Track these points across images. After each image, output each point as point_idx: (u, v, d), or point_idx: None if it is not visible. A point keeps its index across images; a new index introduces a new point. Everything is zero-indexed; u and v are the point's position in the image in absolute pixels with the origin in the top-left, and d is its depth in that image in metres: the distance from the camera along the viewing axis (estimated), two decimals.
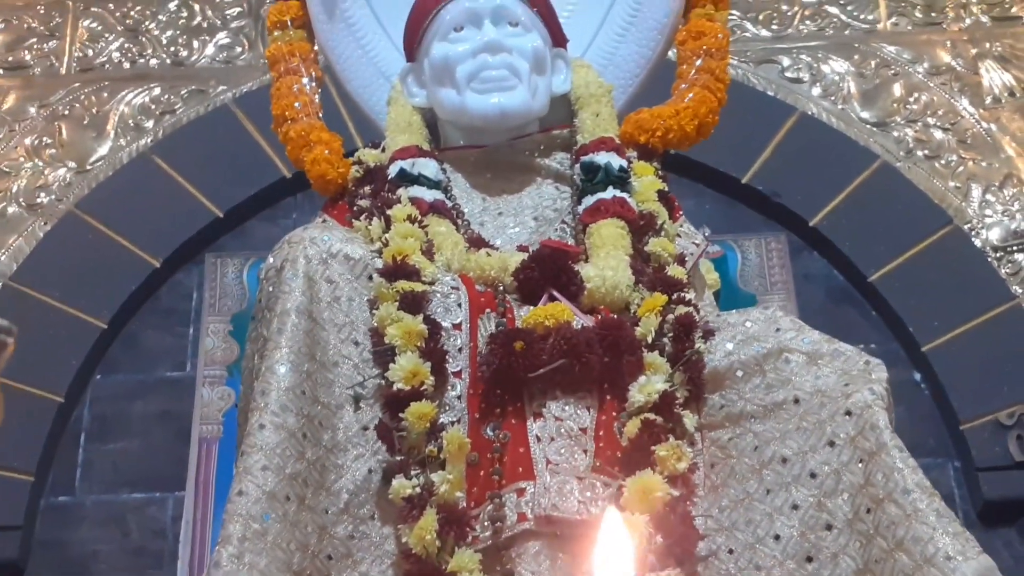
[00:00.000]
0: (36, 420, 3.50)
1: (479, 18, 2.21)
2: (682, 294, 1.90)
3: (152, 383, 3.68)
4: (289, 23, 2.48)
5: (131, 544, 3.46)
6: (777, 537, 1.69)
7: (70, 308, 3.62)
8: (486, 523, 1.69)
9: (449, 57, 2.19)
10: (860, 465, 1.66)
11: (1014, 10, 4.38)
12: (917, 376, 3.82)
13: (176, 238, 3.85)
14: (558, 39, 2.32)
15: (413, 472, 1.69)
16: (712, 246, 3.79)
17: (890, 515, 1.59)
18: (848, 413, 1.69)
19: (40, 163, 3.95)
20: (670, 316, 1.85)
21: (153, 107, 4.05)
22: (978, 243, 3.95)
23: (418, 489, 1.67)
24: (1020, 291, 3.87)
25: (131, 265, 3.79)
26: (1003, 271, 3.91)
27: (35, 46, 4.16)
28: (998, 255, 3.94)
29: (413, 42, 2.30)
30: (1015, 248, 3.95)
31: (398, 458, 1.70)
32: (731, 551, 1.72)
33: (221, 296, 3.77)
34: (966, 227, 3.97)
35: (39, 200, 3.88)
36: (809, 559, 1.67)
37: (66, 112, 4.05)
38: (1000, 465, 3.61)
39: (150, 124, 4.03)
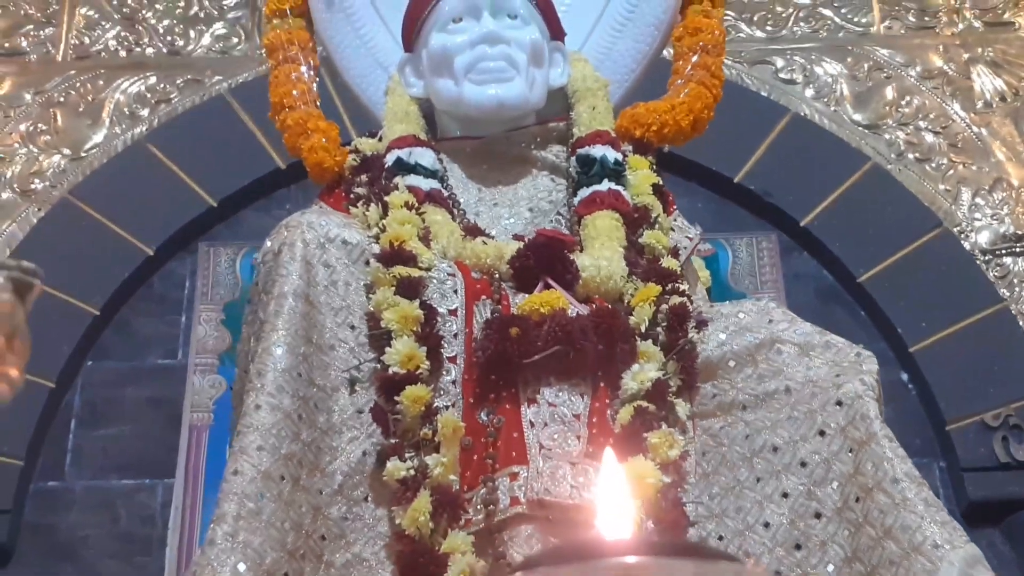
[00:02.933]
0: (27, 405, 3.48)
1: (478, 10, 2.22)
2: (676, 285, 1.92)
3: (144, 370, 3.68)
4: (288, 11, 2.49)
5: (120, 530, 3.46)
6: (767, 524, 1.71)
7: (63, 294, 3.61)
8: (479, 506, 1.70)
9: (447, 48, 2.20)
10: (850, 454, 1.68)
11: (1006, 16, 4.41)
12: (904, 376, 3.84)
13: (170, 226, 3.84)
14: (556, 32, 2.33)
15: (407, 455, 1.70)
16: (704, 244, 3.84)
17: (879, 504, 1.61)
18: (839, 403, 1.72)
19: (35, 149, 3.94)
20: (664, 306, 1.87)
21: (149, 96, 4.05)
22: (967, 246, 3.97)
23: (412, 472, 1.68)
24: (1008, 294, 3.90)
25: (124, 252, 3.78)
26: (991, 274, 3.93)
27: (31, 32, 4.15)
28: (986, 258, 3.96)
29: (411, 32, 2.31)
30: (1003, 252, 3.98)
31: (393, 441, 1.72)
32: (721, 537, 1.74)
33: (214, 285, 3.77)
34: (955, 230, 3.99)
35: (33, 186, 3.87)
36: (798, 546, 1.69)
37: (61, 99, 4.04)
38: (985, 466, 3.63)
39: (145, 112, 4.02)
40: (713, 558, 0.66)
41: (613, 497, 0.70)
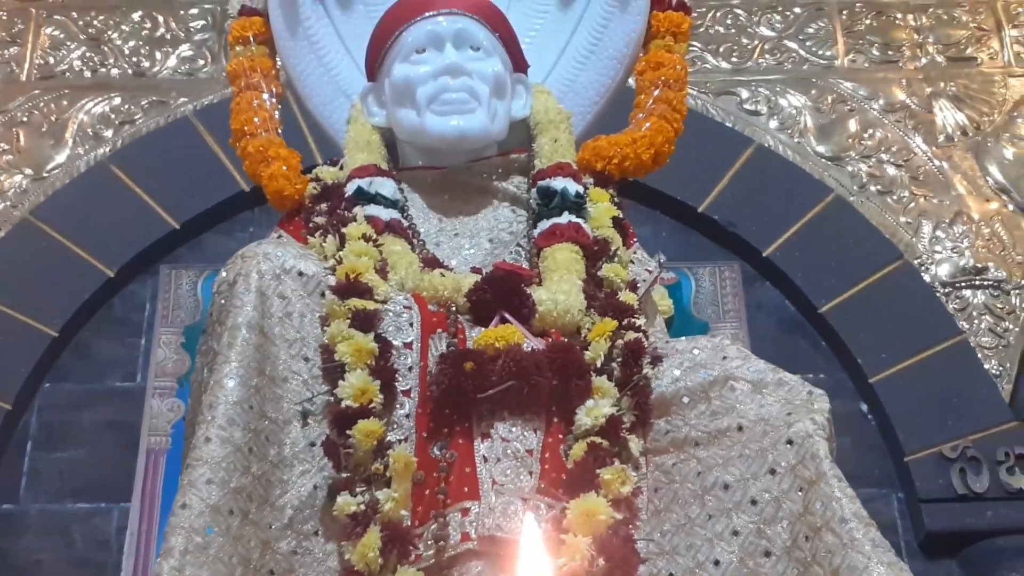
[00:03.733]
0: None
1: (441, 41, 2.23)
2: (633, 320, 1.92)
3: (102, 392, 3.65)
4: (251, 39, 2.48)
5: (75, 554, 3.42)
6: (717, 563, 1.72)
7: (21, 315, 3.59)
8: (429, 541, 1.69)
9: (410, 78, 2.20)
10: (800, 493, 1.69)
11: (969, 51, 4.46)
12: (864, 407, 3.86)
13: (131, 248, 3.83)
14: (519, 64, 2.34)
15: (358, 489, 1.70)
16: (667, 273, 3.85)
17: (827, 543, 1.62)
18: (790, 442, 1.72)
19: None
20: (620, 341, 1.87)
21: (113, 116, 4.04)
22: (927, 278, 4.01)
23: (363, 506, 1.68)
24: (967, 327, 3.93)
25: (85, 274, 3.76)
26: (951, 306, 3.97)
27: None
28: (946, 291, 4.00)
29: (375, 62, 2.31)
30: (963, 284, 4.02)
31: (344, 475, 1.71)
32: (671, 575, 1.74)
33: (174, 308, 3.75)
34: (916, 262, 4.03)
35: None
36: None
37: (24, 119, 4.02)
38: (943, 497, 3.65)
39: (109, 133, 4.01)
40: None
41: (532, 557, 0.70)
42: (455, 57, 2.20)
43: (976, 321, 3.95)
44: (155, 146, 3.98)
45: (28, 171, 3.92)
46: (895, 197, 4.14)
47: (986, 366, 3.87)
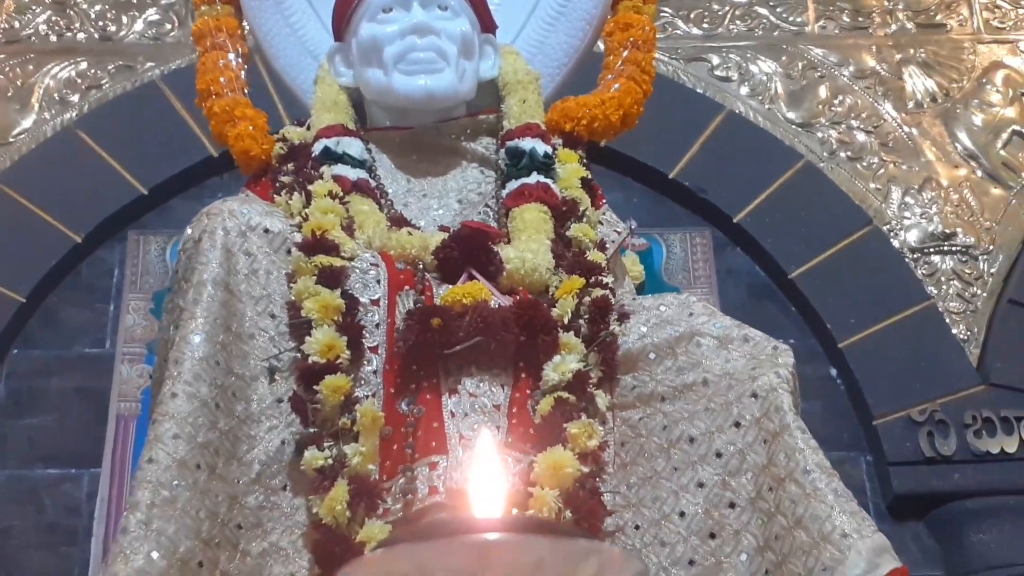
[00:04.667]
0: None
1: (408, 0, 2.21)
2: (600, 278, 1.93)
3: (70, 359, 3.64)
4: None
5: (45, 520, 3.42)
6: (682, 514, 1.73)
7: None
8: (397, 495, 1.70)
9: (377, 38, 2.19)
10: (763, 446, 1.70)
11: (939, 18, 4.48)
12: (833, 372, 3.90)
13: (99, 214, 3.81)
14: (487, 25, 2.33)
15: (326, 444, 1.70)
16: (638, 239, 3.86)
17: (790, 494, 1.63)
18: (754, 395, 1.73)
19: None
20: (587, 299, 1.88)
21: (79, 81, 4.00)
22: (896, 244, 4.04)
23: (330, 461, 1.68)
24: (935, 292, 3.97)
25: (52, 240, 3.74)
26: (919, 272, 4.01)
27: None
28: (915, 256, 4.04)
29: (341, 22, 2.30)
30: (931, 250, 4.05)
31: (311, 430, 1.71)
32: (637, 527, 1.75)
33: (143, 274, 3.74)
34: (885, 228, 4.06)
35: None
36: (712, 535, 1.71)
37: None
38: (910, 460, 3.70)
39: (76, 98, 3.98)
40: (570, 536, 0.67)
41: (485, 479, 0.71)
42: (422, 16, 2.19)
43: (944, 286, 3.99)
44: (122, 111, 3.95)
45: None
46: (864, 163, 4.17)
47: (954, 331, 3.91)
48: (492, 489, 0.71)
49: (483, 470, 0.72)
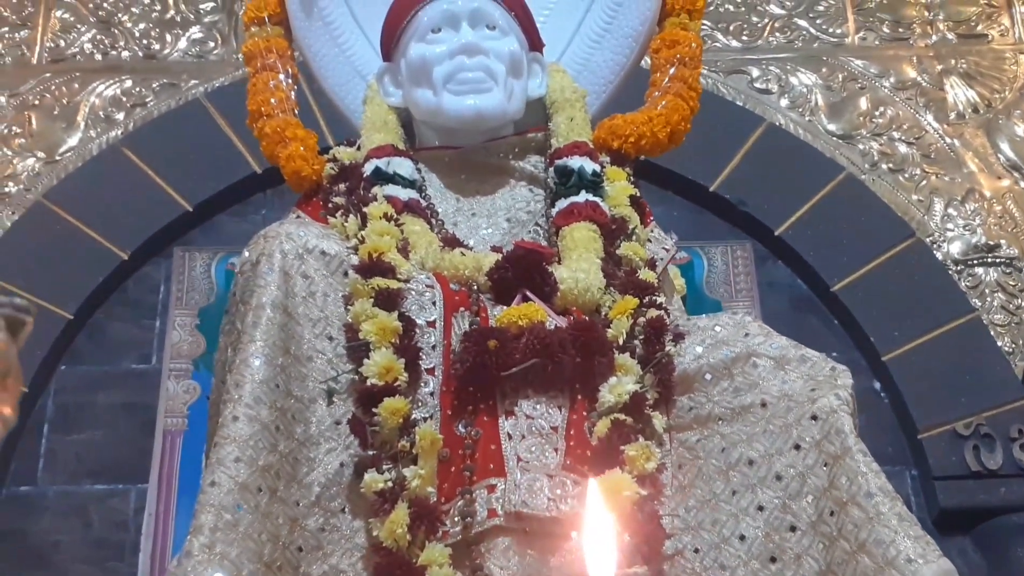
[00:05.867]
0: None
1: (457, 20, 2.22)
2: (653, 297, 1.93)
3: (117, 375, 3.67)
4: (266, 19, 2.48)
5: (92, 535, 3.44)
6: (742, 537, 1.72)
7: (36, 298, 3.58)
8: (456, 518, 1.70)
9: (426, 58, 2.20)
10: (825, 468, 1.69)
11: (979, 28, 4.45)
12: (877, 385, 3.87)
13: (144, 231, 3.84)
14: (535, 43, 2.34)
15: (385, 467, 1.70)
16: (679, 252, 3.85)
17: (853, 518, 1.62)
18: (814, 417, 1.72)
19: (9, 152, 3.93)
20: (641, 319, 1.88)
21: (124, 99, 4.04)
22: (939, 256, 4.01)
23: (390, 483, 1.68)
24: (979, 304, 3.94)
25: (98, 257, 3.77)
26: (963, 284, 3.98)
27: (6, 35, 4.14)
28: (959, 268, 4.00)
29: (390, 42, 2.31)
30: (975, 262, 4.02)
31: (370, 452, 1.72)
32: (697, 550, 1.74)
33: (188, 290, 3.76)
34: (928, 240, 4.03)
35: (7, 190, 3.86)
36: (773, 559, 1.69)
37: (36, 102, 4.03)
38: (956, 474, 3.67)
39: (120, 116, 4.01)
40: None
41: (595, 525, 0.71)
42: (471, 36, 2.20)
43: (988, 298, 3.96)
44: (167, 129, 3.98)
45: (40, 154, 3.93)
46: (906, 175, 4.14)
47: (999, 343, 3.88)
48: (604, 536, 0.70)
49: (592, 516, 0.72)
